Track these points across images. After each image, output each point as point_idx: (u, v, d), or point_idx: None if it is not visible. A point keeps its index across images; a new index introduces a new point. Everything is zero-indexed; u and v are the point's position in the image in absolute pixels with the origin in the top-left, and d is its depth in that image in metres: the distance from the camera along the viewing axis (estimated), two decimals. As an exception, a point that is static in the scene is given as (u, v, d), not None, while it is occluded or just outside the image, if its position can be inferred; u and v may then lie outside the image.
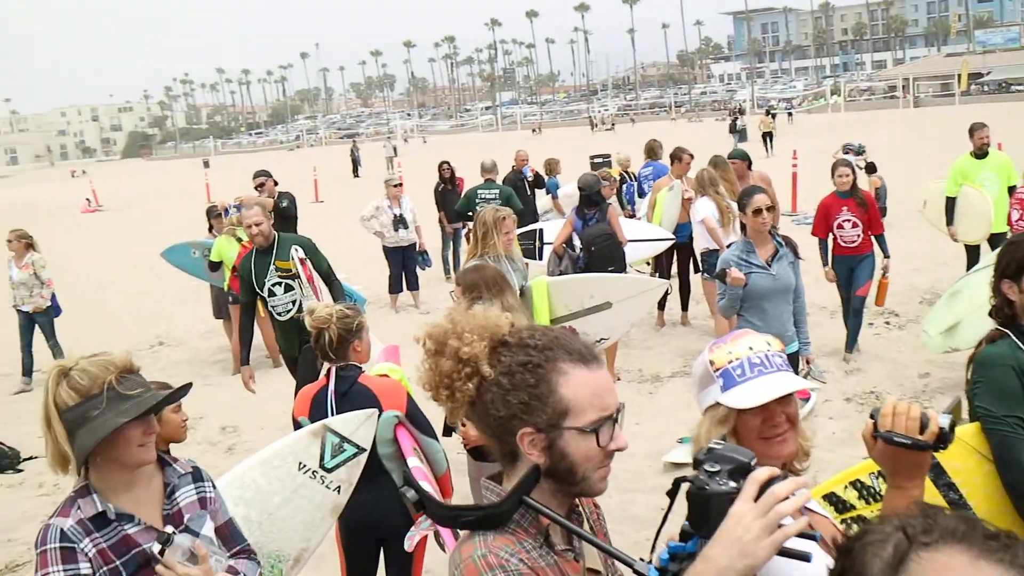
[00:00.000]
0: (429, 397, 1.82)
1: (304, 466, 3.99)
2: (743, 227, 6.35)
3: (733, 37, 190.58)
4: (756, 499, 1.54)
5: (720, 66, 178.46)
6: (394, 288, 13.45)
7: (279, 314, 7.39)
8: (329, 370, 4.35)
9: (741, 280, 6.04)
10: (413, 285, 13.55)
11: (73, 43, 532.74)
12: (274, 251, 7.42)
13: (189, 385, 3.03)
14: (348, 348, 4.36)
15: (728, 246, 7.20)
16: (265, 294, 7.35)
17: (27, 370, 11.17)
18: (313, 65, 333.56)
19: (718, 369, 2.19)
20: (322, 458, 4.00)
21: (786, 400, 2.15)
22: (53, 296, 11.19)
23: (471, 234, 6.85)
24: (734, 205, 7.81)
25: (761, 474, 1.56)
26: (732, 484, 1.58)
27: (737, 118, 44.02)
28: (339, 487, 4.02)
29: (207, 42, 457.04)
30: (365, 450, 4.07)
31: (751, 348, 2.19)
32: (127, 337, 12.85)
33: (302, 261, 7.44)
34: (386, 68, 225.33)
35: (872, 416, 2.11)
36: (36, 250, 11.09)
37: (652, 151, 13.51)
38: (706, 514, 1.58)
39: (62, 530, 2.53)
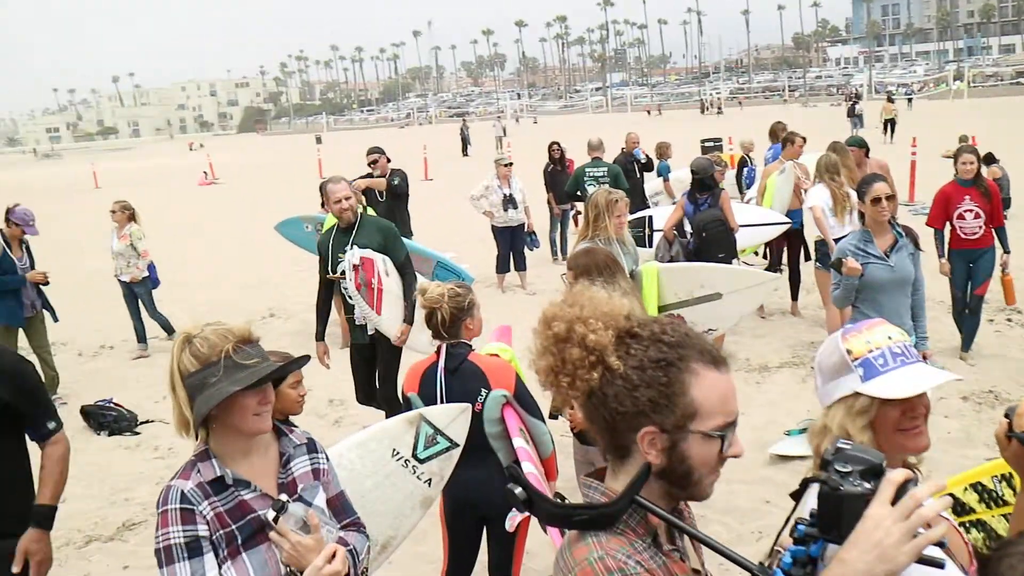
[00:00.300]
0: (543, 383, 1.77)
1: (397, 453, 4.00)
2: (862, 216, 6.17)
3: (851, 19, 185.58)
4: (893, 502, 1.49)
5: (837, 49, 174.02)
6: (501, 268, 13.49)
7: (350, 296, 7.01)
8: (440, 347, 4.38)
9: (857, 270, 5.88)
10: (520, 266, 13.57)
11: (194, 19, 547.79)
12: (354, 232, 7.08)
13: (306, 358, 3.08)
14: (460, 326, 4.38)
15: (842, 236, 7.02)
16: (338, 274, 6.99)
17: (140, 337, 11.54)
18: (425, 43, 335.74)
19: (857, 359, 2.13)
20: (415, 447, 4.01)
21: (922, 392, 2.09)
22: (152, 268, 11.44)
23: (582, 215, 6.78)
24: (853, 194, 7.59)
25: (897, 476, 1.51)
26: (867, 485, 1.52)
27: (856, 103, 42.80)
28: (430, 480, 4.03)
29: (322, 20, 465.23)
30: (458, 445, 4.07)
31: (890, 338, 2.13)
32: (239, 307, 13.20)
33: (355, 267, 6.82)
34: (497, 47, 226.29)
35: (1007, 415, 2.03)
36: (137, 221, 11.36)
37: (774, 134, 13.23)
38: (839, 516, 1.53)
39: (183, 492, 2.60)
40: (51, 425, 3.88)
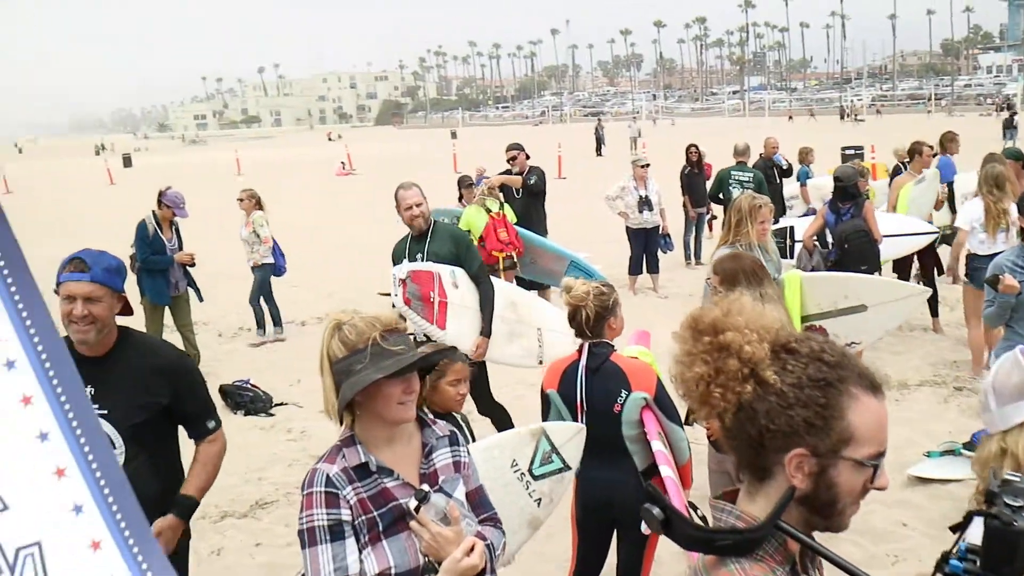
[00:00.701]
0: (687, 391, 1.68)
1: (516, 464, 4.00)
2: (1021, 232, 5.92)
3: (1006, 25, 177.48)
4: None
5: (989, 56, 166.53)
6: (634, 270, 13.38)
7: (402, 311, 6.53)
8: (582, 345, 4.38)
9: (1015, 288, 5.63)
10: (653, 268, 13.44)
11: (336, 13, 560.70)
12: (427, 240, 6.84)
13: (452, 349, 3.10)
14: (603, 325, 4.36)
15: (995, 253, 6.74)
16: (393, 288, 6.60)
17: (276, 320, 11.85)
18: (562, 42, 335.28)
19: None
20: (532, 462, 4.00)
21: None
22: (277, 255, 11.65)
23: (722, 220, 6.67)
24: (1013, 209, 7.27)
25: None
26: None
27: (1014, 114, 40.94)
28: (539, 499, 4.01)
29: (461, 15, 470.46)
30: (570, 469, 4.06)
31: None
32: (373, 297, 13.45)
33: (402, 282, 6.44)
34: (634, 47, 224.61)
35: None
36: (263, 209, 11.62)
37: (942, 144, 12.77)
38: (1012, 554, 1.47)
39: (328, 476, 2.65)
40: (210, 424, 3.91)
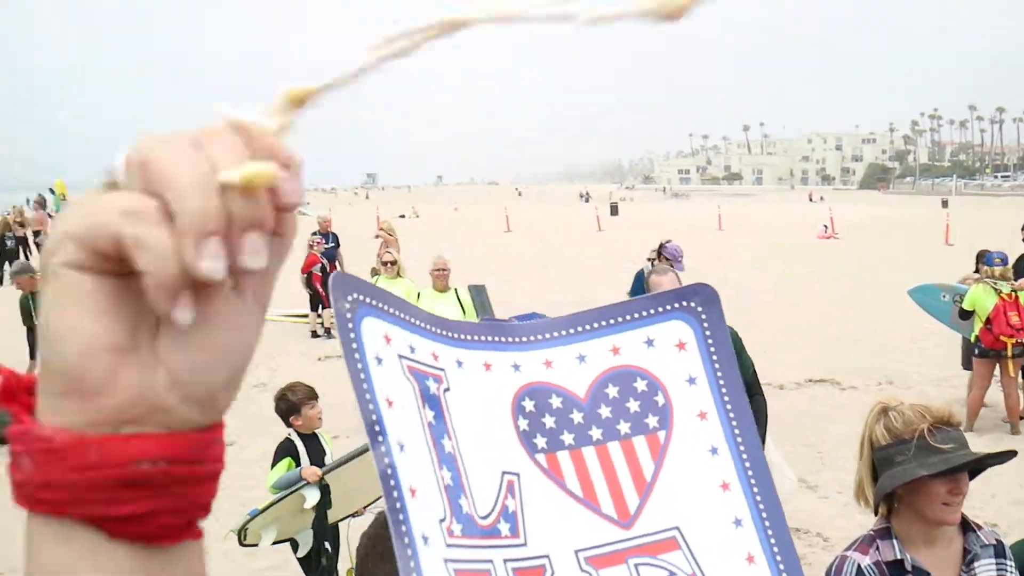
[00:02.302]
0: None
1: None
2: None
3: None
4: None
5: None
6: None
7: None
8: None
9: None
10: None
11: (823, 75, 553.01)
12: None
13: (1011, 453, 2.85)
14: None
15: None
16: None
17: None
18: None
19: None
20: None
21: None
22: None
23: None
24: None
25: None
26: None
27: None
28: None
29: (960, 77, 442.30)
30: None
31: None
32: (853, 365, 12.94)
33: None
34: None
35: None
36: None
37: None
38: None
39: (859, 566, 2.55)
40: None
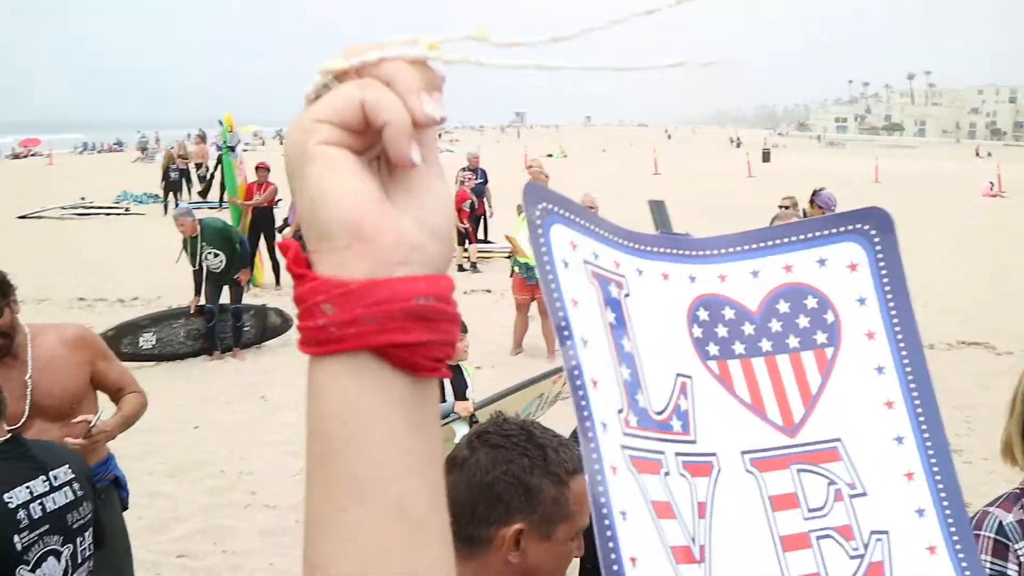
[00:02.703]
0: None
1: None
2: None
3: None
4: None
5: None
6: None
7: None
8: None
9: None
10: None
11: (999, 21, 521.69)
12: None
13: None
14: None
15: None
16: None
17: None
18: None
19: None
20: None
21: None
22: None
23: None
24: None
25: None
26: None
27: None
28: None
29: None
30: None
31: None
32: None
33: None
34: None
35: None
36: None
37: None
38: None
39: (1001, 523, 2.50)
40: None
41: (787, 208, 9.95)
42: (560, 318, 1.13)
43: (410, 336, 0.63)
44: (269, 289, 14.97)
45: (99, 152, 70.04)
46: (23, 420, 3.91)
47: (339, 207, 0.62)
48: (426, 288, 0.63)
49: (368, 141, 0.65)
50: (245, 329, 11.60)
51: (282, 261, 15.51)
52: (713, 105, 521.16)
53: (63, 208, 26.41)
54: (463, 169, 17.93)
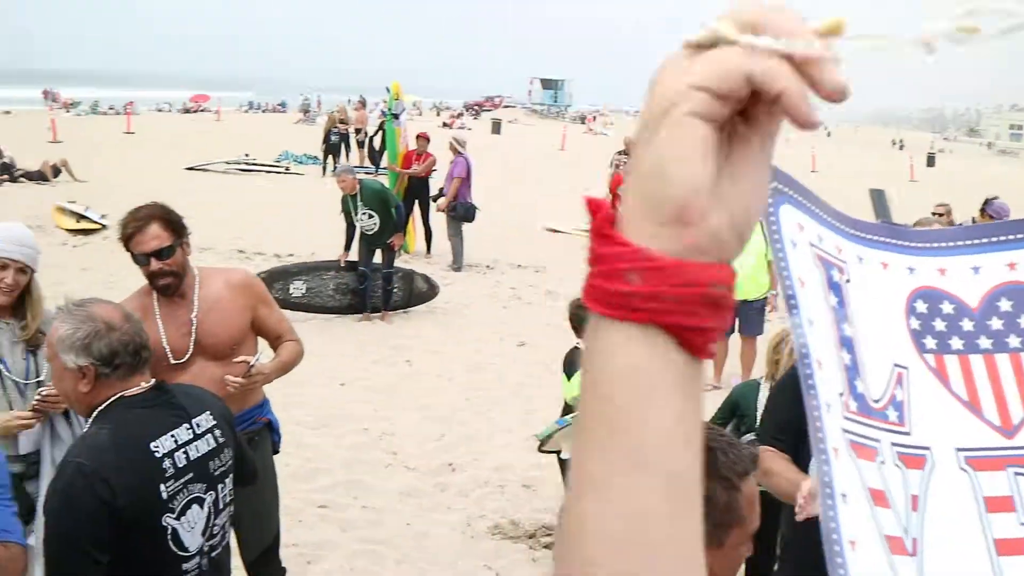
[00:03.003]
0: None
1: None
2: None
3: None
4: None
5: None
6: None
7: None
8: None
9: None
10: None
11: None
12: None
13: None
14: None
15: None
16: None
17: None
18: None
19: None
20: None
21: None
22: None
23: None
24: None
25: None
26: None
27: None
28: None
29: None
30: None
31: None
32: None
33: None
34: None
35: None
36: None
37: None
38: None
39: None
40: None
41: (939, 216, 9.36)
42: (789, 295, 1.15)
43: (702, 320, 0.65)
44: (419, 256, 15.16)
45: (263, 111, 72.37)
46: (187, 356, 4.07)
47: (680, 187, 0.63)
48: (722, 277, 0.65)
49: (732, 113, 0.64)
50: (394, 291, 11.80)
51: (435, 229, 15.45)
52: (872, 104, 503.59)
53: (227, 163, 27.37)
54: (619, 152, 17.82)
